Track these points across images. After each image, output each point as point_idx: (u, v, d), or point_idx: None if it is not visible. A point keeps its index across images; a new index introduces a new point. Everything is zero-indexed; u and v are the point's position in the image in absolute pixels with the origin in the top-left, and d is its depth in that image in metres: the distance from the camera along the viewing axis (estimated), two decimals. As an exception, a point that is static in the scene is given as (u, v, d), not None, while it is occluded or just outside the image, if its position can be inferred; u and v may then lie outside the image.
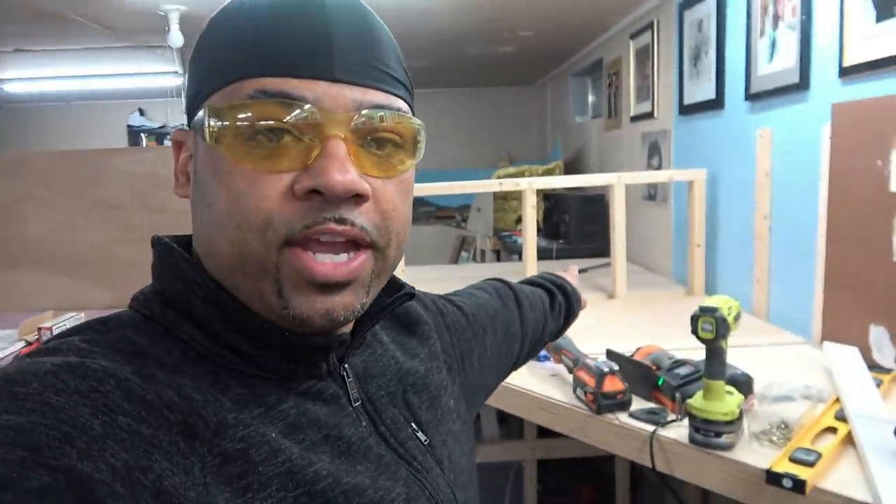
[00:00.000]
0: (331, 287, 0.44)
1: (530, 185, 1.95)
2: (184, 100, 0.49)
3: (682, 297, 2.08)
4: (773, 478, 0.87)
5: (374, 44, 0.46)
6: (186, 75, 0.47)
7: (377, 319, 0.52)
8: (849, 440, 0.98)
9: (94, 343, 0.43)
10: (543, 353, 1.39)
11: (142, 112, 4.70)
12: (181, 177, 0.49)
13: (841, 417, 1.03)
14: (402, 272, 2.03)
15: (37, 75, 3.70)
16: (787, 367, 1.34)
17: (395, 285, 0.57)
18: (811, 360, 1.37)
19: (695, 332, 0.96)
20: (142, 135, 4.50)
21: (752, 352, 1.46)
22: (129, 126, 4.73)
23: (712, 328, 0.94)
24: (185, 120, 0.50)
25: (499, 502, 2.61)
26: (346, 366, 0.51)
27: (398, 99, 0.47)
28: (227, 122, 0.42)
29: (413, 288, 0.58)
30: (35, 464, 0.34)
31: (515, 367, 0.86)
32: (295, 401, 0.47)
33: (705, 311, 0.95)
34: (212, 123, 0.43)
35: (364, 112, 0.44)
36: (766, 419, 1.03)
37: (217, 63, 0.44)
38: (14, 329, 1.61)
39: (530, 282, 1.00)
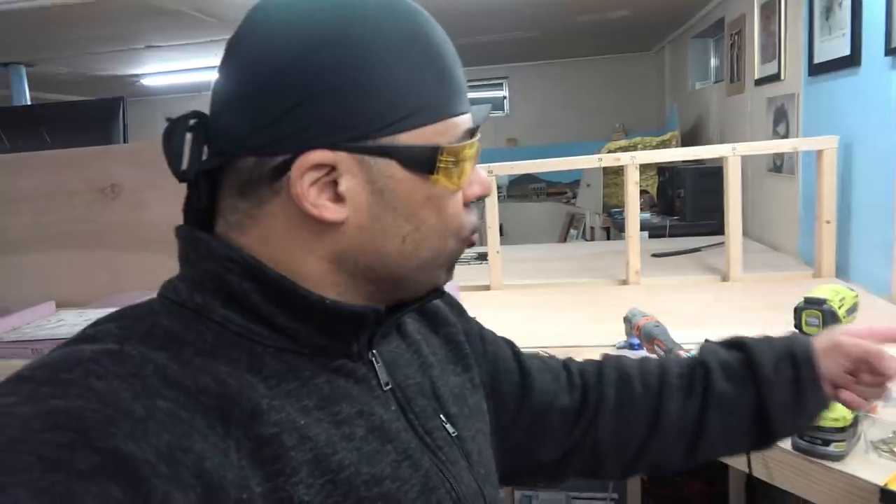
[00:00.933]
0: None
1: (633, 160, 1.83)
2: (307, 117, 0.46)
3: (807, 279, 1.87)
4: (887, 497, 0.75)
5: None
6: (322, 97, 0.46)
7: (410, 308, 0.54)
8: None
9: (129, 330, 0.45)
10: (636, 341, 1.30)
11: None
12: (331, 200, 0.47)
13: None
14: (497, 252, 1.99)
15: (168, 69, 4.00)
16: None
17: None
18: (959, 356, 1.18)
19: (798, 326, 0.84)
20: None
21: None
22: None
23: (819, 322, 0.82)
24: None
25: (602, 489, 2.53)
26: (374, 351, 0.53)
27: None
28: (453, 159, 0.49)
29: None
30: (84, 445, 0.35)
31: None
32: (328, 376, 0.49)
33: (811, 304, 0.83)
34: (442, 161, 0.48)
35: None
36: (889, 427, 0.89)
37: (407, 100, 0.47)
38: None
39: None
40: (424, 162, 0.48)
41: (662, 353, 1.16)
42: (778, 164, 2.35)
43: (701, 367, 0.67)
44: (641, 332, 1.24)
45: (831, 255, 1.83)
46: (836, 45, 1.81)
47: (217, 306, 0.46)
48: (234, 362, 0.45)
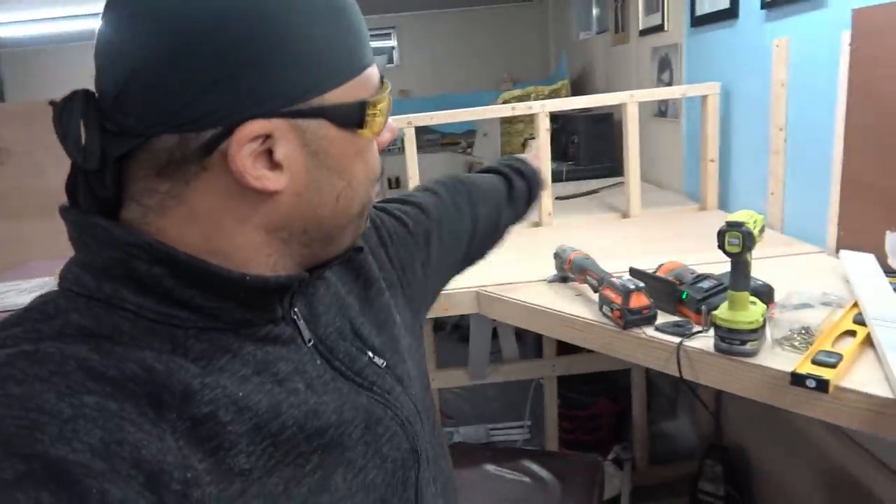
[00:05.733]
0: None
1: (543, 108, 1.94)
2: (230, 89, 0.43)
3: (695, 212, 2.10)
4: (797, 379, 0.92)
5: None
6: (251, 66, 0.44)
7: (333, 264, 0.56)
8: (868, 342, 1.02)
9: (39, 332, 0.43)
10: (570, 275, 1.42)
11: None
12: (268, 169, 0.46)
13: (859, 321, 1.08)
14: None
15: (29, 17, 3.60)
16: (805, 277, 1.38)
17: None
18: (827, 268, 1.41)
19: (721, 246, 0.99)
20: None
21: (769, 262, 1.50)
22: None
23: (739, 242, 0.97)
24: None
25: (518, 418, 2.74)
26: (295, 309, 0.54)
27: None
28: (376, 111, 0.50)
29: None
30: (9, 454, 0.35)
31: (467, 263, 0.90)
32: (256, 345, 0.49)
33: (732, 226, 0.97)
34: (369, 114, 0.49)
35: None
36: (787, 326, 1.08)
37: (330, 57, 0.47)
38: (49, 277, 1.65)
39: (487, 169, 1.03)
40: (354, 117, 0.48)
41: (595, 282, 1.29)
42: (662, 110, 2.57)
43: (514, 188, 1.01)
44: (573, 265, 1.37)
45: (714, 190, 2.06)
46: (716, -1, 2.00)
47: (128, 294, 0.45)
48: (158, 349, 0.44)
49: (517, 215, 1.03)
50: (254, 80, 0.43)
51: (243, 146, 0.44)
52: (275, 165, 0.46)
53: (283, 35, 0.44)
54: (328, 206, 0.49)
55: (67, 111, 0.43)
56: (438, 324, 3.78)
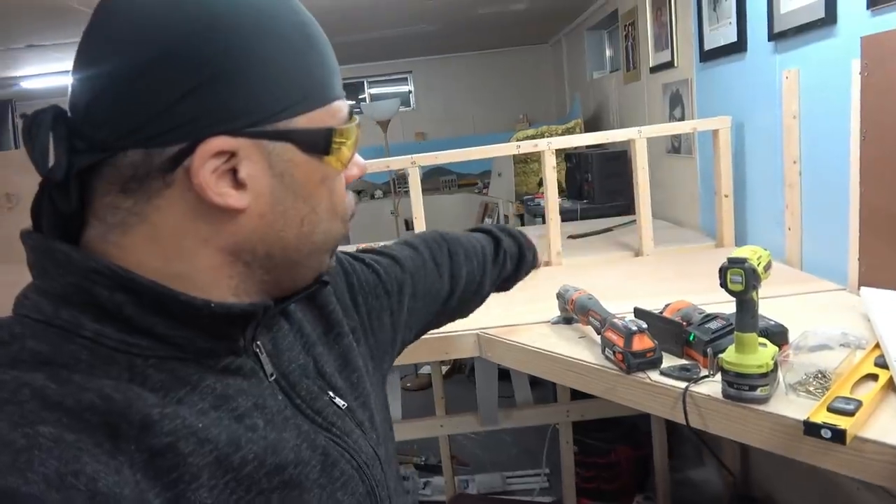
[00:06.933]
0: None
1: (549, 146, 1.91)
2: (198, 106, 0.44)
3: (711, 249, 2.03)
4: (811, 429, 0.85)
5: None
6: (218, 83, 0.44)
7: (298, 297, 0.55)
8: (890, 387, 0.94)
9: None
10: (574, 316, 1.36)
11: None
12: (232, 188, 0.45)
13: (881, 364, 1.00)
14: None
15: (51, 70, 3.73)
16: (824, 315, 1.30)
17: None
18: (848, 306, 1.33)
19: (724, 284, 0.93)
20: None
21: (785, 301, 1.42)
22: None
23: (742, 280, 0.91)
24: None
25: (536, 465, 2.63)
26: (258, 342, 0.53)
27: None
28: (343, 140, 0.50)
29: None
30: None
31: (446, 318, 0.87)
32: (217, 377, 0.48)
33: (733, 263, 0.91)
34: (335, 142, 0.49)
35: None
36: (801, 370, 1.00)
37: (299, 83, 0.47)
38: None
39: (478, 229, 1.00)
40: (320, 143, 0.48)
41: (598, 323, 1.23)
42: (676, 146, 2.52)
43: (501, 250, 0.97)
44: (576, 305, 1.31)
45: (730, 226, 1.99)
46: (723, 33, 1.97)
47: (87, 321, 0.43)
48: (116, 378, 0.43)
49: (504, 277, 0.99)
50: (221, 97, 0.44)
51: (206, 161, 0.44)
52: (239, 185, 0.46)
53: (253, 55, 0.45)
54: (292, 231, 0.49)
55: (37, 123, 0.43)
56: (456, 366, 3.71)
